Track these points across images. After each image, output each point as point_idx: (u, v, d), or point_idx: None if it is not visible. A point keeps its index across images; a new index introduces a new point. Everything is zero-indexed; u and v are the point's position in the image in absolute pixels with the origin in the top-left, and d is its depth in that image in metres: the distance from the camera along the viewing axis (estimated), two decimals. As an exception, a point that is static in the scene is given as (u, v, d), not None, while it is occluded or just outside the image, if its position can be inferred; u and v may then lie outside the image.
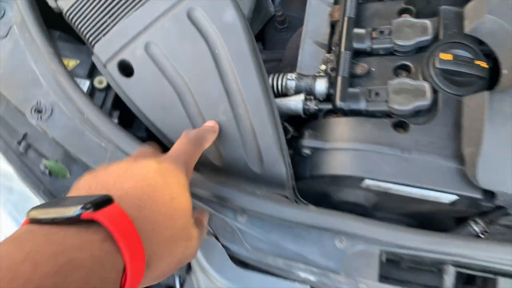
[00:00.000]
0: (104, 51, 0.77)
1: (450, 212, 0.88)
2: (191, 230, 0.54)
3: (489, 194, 0.75)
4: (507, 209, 0.79)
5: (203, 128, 0.70)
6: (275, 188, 0.75)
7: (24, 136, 0.78)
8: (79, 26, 0.79)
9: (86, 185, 0.46)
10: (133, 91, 0.76)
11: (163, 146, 0.80)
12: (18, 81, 0.80)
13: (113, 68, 0.77)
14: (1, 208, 0.80)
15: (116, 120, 0.87)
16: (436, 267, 0.76)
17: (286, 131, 0.89)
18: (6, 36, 0.82)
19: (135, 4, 0.77)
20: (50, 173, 0.77)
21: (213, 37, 0.75)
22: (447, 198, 0.79)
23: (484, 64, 0.82)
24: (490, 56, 0.83)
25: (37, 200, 0.75)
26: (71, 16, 0.79)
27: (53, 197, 0.75)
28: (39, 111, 0.76)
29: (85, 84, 0.88)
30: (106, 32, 0.77)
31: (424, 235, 0.71)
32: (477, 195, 0.75)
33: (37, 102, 0.76)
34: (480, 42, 0.83)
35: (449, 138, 0.78)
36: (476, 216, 0.88)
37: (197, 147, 0.61)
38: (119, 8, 0.77)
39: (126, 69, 0.77)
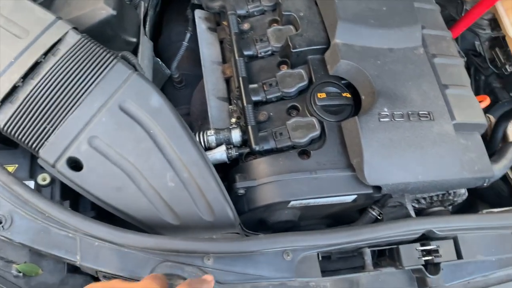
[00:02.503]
0: (50, 153, 0.86)
1: (354, 207, 1.16)
2: None
3: (377, 188, 1.02)
4: (391, 195, 1.09)
5: (201, 281, 0.74)
6: (227, 229, 0.92)
7: (-14, 249, 0.83)
8: (19, 136, 0.87)
9: None
10: (86, 182, 0.87)
11: (119, 222, 0.92)
12: (-33, 200, 0.84)
13: (62, 166, 0.86)
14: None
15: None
16: (357, 252, 1.00)
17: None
18: None
19: (70, 108, 0.88)
20: (24, 274, 0.83)
21: (146, 121, 0.90)
22: (350, 198, 1.05)
23: (348, 95, 1.11)
24: (351, 86, 1.12)
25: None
26: (9, 130, 0.86)
27: (33, 296, 0.82)
28: (-1, 222, 0.82)
29: (30, 185, 0.94)
30: (48, 137, 0.87)
31: (343, 231, 0.94)
32: (369, 191, 1.02)
33: (-6, 215, 0.82)
34: (342, 78, 1.12)
35: (340, 154, 1.04)
36: (372, 204, 1.17)
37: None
38: (56, 114, 0.87)
39: (75, 164, 0.87)
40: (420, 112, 1.06)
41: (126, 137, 0.89)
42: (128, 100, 0.90)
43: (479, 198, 1.59)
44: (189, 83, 1.52)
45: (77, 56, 0.91)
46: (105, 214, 0.96)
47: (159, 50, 1.59)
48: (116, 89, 0.90)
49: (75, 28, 0.93)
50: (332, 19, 1.12)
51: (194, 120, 1.34)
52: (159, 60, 1.47)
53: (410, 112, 1.05)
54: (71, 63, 0.90)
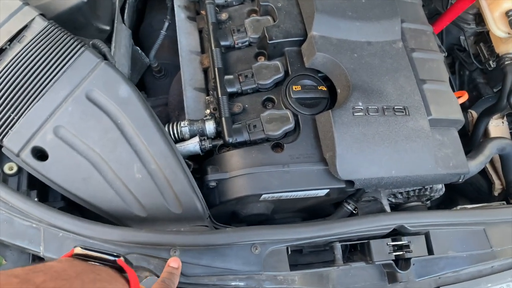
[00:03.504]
0: (15, 143, 0.85)
1: (328, 201, 1.15)
2: None
3: (350, 182, 1.02)
4: (365, 189, 1.08)
5: (171, 274, 0.76)
6: (196, 221, 0.92)
7: None
8: (-18, 125, 0.85)
9: None
10: (51, 172, 0.86)
11: (89, 212, 0.91)
12: None
13: (27, 156, 0.85)
14: None
15: (36, 199, 0.93)
16: (328, 246, 1.00)
17: (188, 165, 1.06)
18: None
19: (35, 97, 0.86)
20: (-15, 265, 0.82)
21: (114, 111, 0.89)
22: (322, 192, 1.04)
23: (324, 88, 1.09)
24: (328, 79, 1.11)
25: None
26: (-28, 118, 0.85)
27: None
28: (-40, 211, 0.80)
29: (-4, 174, 0.93)
30: (12, 125, 0.85)
31: (313, 226, 0.94)
32: (342, 185, 1.02)
33: (-45, 204, 0.81)
34: (319, 71, 1.11)
35: (313, 148, 1.03)
36: (347, 198, 1.17)
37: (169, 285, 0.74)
38: (20, 103, 0.85)
39: (40, 154, 0.86)
40: (396, 107, 1.05)
41: (92, 127, 0.87)
42: (95, 89, 0.88)
43: (459, 193, 1.60)
44: (169, 72, 1.50)
45: (44, 44, 0.89)
46: (75, 204, 0.95)
47: (141, 37, 1.57)
48: (83, 78, 0.88)
49: (42, 15, 0.91)
50: (310, 11, 1.10)
51: (172, 111, 1.33)
52: (138, 48, 1.44)
53: (385, 107, 1.04)
54: (37, 50, 0.88)
